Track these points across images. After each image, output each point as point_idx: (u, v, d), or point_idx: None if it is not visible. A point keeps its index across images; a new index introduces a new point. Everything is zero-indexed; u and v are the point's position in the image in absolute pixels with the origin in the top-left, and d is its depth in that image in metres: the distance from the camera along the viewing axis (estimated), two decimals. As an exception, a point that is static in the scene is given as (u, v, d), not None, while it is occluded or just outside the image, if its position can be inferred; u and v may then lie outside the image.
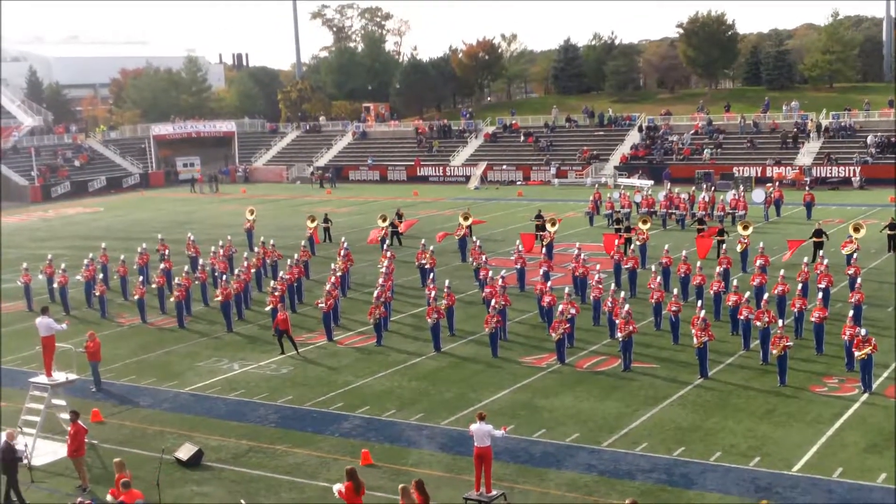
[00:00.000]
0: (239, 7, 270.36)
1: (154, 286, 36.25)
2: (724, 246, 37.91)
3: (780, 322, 25.26)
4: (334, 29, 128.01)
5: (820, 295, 27.82)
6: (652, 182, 64.63)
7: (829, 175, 65.13)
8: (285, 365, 28.33)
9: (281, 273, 34.80)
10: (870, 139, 67.13)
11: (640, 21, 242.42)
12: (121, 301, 37.39)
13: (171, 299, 34.06)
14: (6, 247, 51.81)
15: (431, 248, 38.22)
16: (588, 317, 30.72)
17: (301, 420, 23.64)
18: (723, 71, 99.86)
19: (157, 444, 21.77)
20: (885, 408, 22.46)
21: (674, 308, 27.96)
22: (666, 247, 35.20)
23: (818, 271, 30.78)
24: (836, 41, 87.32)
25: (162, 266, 37.58)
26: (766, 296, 28.78)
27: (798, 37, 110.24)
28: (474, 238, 41.60)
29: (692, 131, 75.00)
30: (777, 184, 58.51)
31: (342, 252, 37.27)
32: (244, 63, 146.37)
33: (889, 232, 40.33)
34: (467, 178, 77.20)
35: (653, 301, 29.89)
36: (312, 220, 46.47)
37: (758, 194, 52.97)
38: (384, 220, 46.00)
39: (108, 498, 17.30)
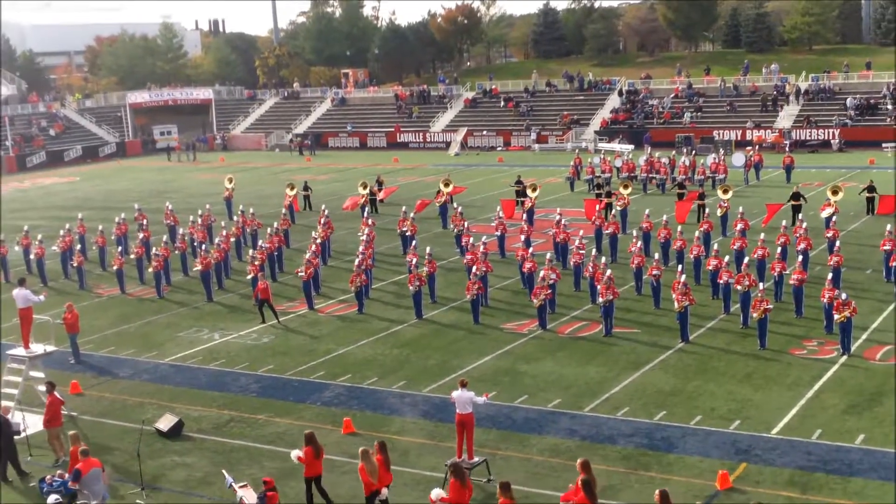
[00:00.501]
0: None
1: (133, 256, 35.97)
2: (707, 210, 37.95)
3: (760, 285, 25.34)
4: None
5: (799, 258, 27.98)
6: (632, 146, 64.53)
7: (808, 138, 65.24)
8: (266, 334, 28.21)
9: (261, 242, 34.60)
10: (849, 101, 67.23)
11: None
12: (99, 272, 37.09)
13: (150, 269, 33.82)
14: (-18, 218, 51.28)
15: (412, 215, 38.08)
16: (569, 282, 30.74)
17: (282, 389, 23.57)
18: (702, 34, 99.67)
19: (138, 416, 21.64)
20: (864, 370, 22.63)
21: (655, 273, 27.98)
22: (647, 211, 35.19)
23: (797, 234, 30.86)
24: (815, 3, 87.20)
25: (140, 236, 37.28)
26: (745, 259, 28.91)
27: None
28: (455, 204, 41.47)
29: (672, 95, 74.88)
30: (757, 147, 58.65)
31: (322, 220, 37.09)
32: (221, 29, 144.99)
33: (867, 194, 40.47)
34: (447, 145, 76.88)
35: (633, 266, 29.92)
36: (292, 188, 46.18)
37: (738, 158, 53.01)
38: (364, 188, 45.77)
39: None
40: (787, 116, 68.91)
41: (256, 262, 31.54)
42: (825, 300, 24.84)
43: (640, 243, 30.79)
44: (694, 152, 52.43)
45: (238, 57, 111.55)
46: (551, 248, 33.82)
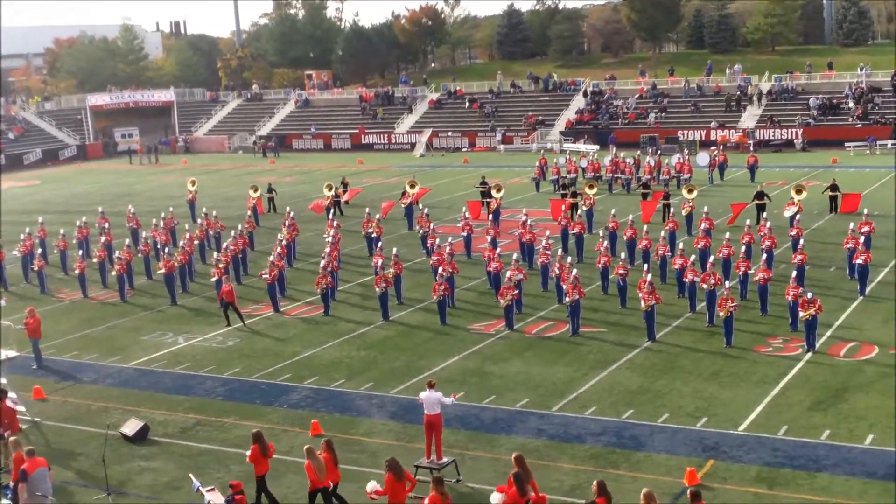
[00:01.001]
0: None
1: (95, 260, 35.52)
2: (672, 210, 38.16)
3: (725, 284, 25.49)
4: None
5: (764, 256, 28.16)
6: (597, 147, 64.81)
7: (772, 137, 65.82)
8: (232, 337, 27.95)
9: (225, 244, 34.29)
10: (812, 101, 67.93)
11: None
12: (60, 276, 36.60)
13: (113, 273, 33.39)
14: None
15: (377, 216, 37.92)
16: (536, 282, 30.76)
17: (249, 392, 23.35)
18: (666, 35, 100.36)
19: (102, 420, 21.37)
20: (829, 366, 22.82)
21: (621, 272, 28.07)
22: (612, 211, 35.29)
23: (762, 233, 31.07)
24: (777, 4, 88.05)
25: (103, 239, 36.84)
26: (711, 258, 29.09)
27: (740, 0, 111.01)
28: (421, 206, 41.37)
29: (637, 95, 75.27)
30: (721, 147, 59.08)
31: (287, 222, 36.85)
32: (182, 31, 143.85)
33: (830, 193, 40.88)
34: (412, 146, 76.76)
35: (600, 265, 29.99)
36: (255, 191, 45.86)
37: (702, 157, 53.39)
38: (330, 189, 45.55)
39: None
40: (750, 116, 69.51)
41: (221, 265, 31.26)
42: (790, 298, 25.03)
43: (606, 243, 30.88)
44: (659, 152, 52.74)
45: (200, 59, 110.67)
46: (517, 248, 33.84)
